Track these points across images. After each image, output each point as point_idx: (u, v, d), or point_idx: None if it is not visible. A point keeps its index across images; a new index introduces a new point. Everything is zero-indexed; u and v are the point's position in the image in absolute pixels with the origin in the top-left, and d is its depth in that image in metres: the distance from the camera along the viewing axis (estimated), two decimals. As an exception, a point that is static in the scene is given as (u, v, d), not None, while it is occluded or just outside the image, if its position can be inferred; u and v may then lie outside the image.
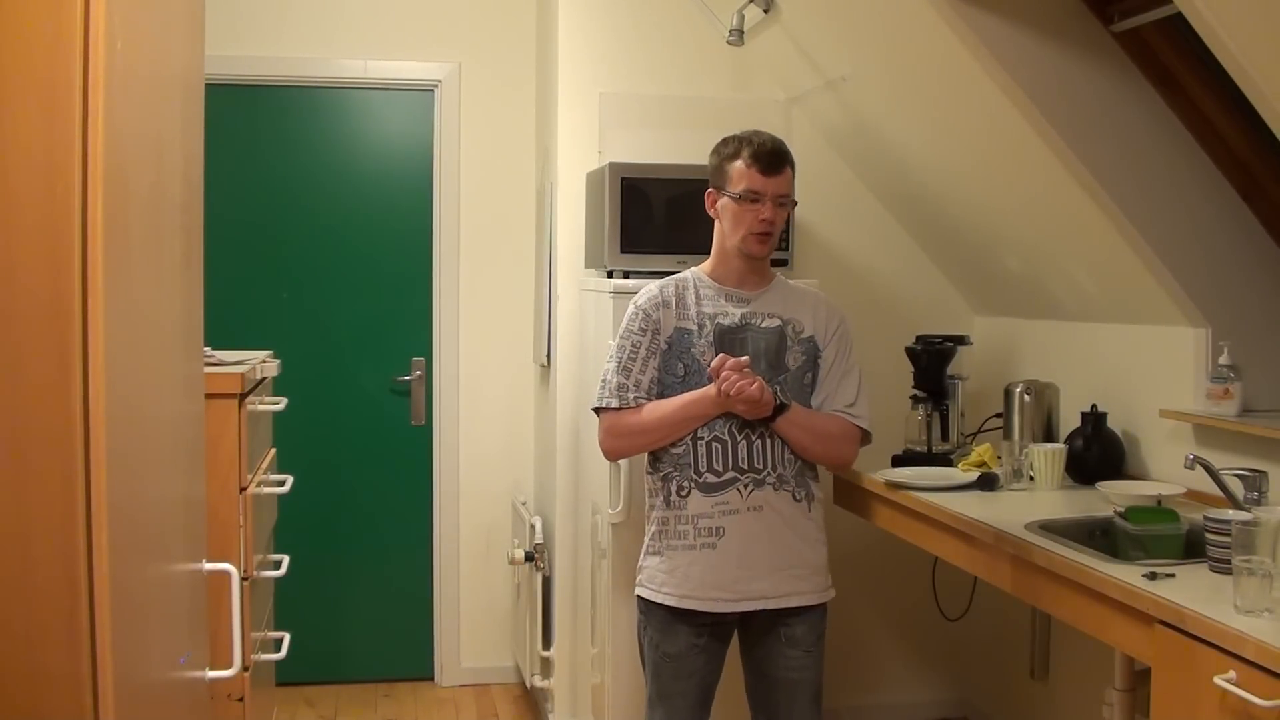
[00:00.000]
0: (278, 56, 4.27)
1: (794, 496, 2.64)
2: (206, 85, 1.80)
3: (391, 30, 4.35)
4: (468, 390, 4.46)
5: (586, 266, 3.71)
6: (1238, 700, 1.81)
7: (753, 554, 2.60)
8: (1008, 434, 3.36)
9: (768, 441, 2.62)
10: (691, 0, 3.73)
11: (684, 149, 3.50)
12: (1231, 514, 2.22)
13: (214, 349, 2.42)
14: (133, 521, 1.27)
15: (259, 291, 4.33)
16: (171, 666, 1.53)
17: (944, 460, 3.39)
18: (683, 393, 2.62)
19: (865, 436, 2.74)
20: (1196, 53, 2.68)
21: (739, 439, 2.61)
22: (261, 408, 2.76)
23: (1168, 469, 3.05)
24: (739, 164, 2.62)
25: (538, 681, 3.89)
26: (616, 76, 3.79)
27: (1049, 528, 2.60)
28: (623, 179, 3.38)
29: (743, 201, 2.61)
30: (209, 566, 1.78)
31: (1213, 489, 2.63)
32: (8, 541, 1.11)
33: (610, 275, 3.38)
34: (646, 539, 2.72)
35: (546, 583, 3.86)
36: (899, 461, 3.42)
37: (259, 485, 2.62)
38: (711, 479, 2.60)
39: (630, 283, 3.14)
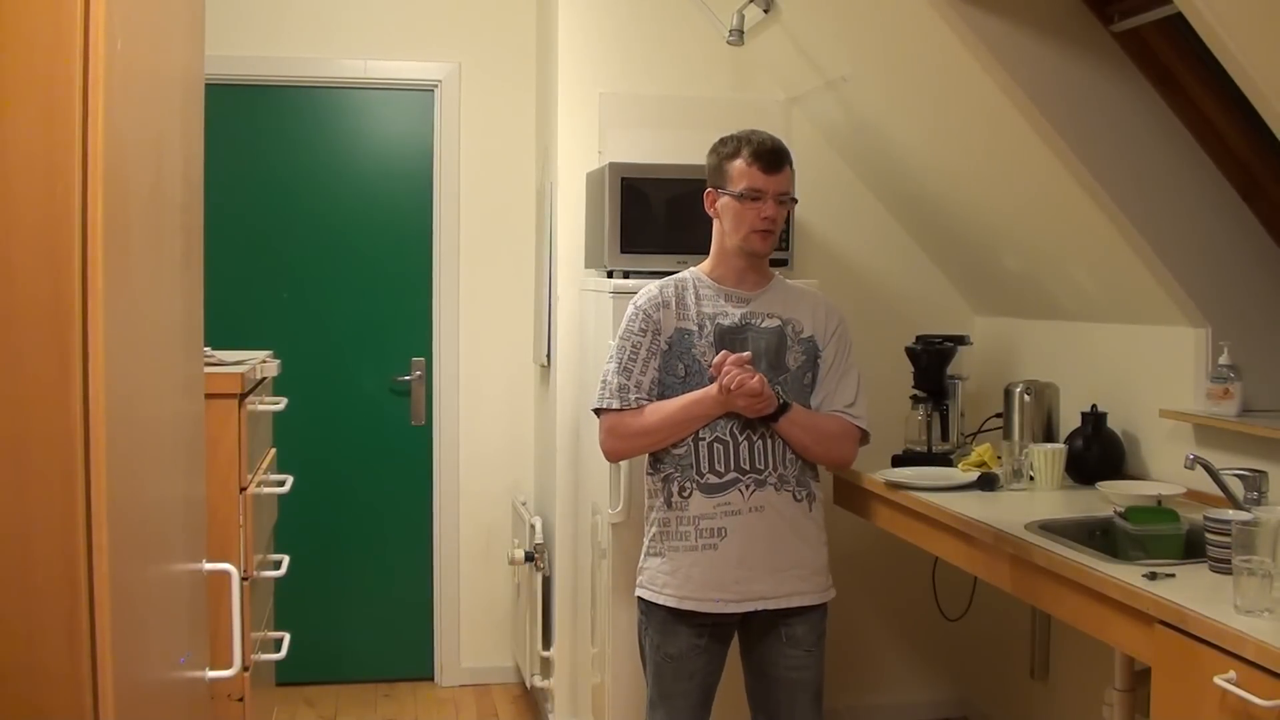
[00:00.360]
0: (278, 56, 4.27)
1: (795, 497, 2.64)
2: (206, 85, 1.80)
3: (391, 30, 4.35)
4: (468, 390, 4.46)
5: (586, 266, 3.71)
6: (1238, 700, 1.81)
7: (754, 554, 2.60)
8: (1008, 434, 3.36)
9: (769, 442, 2.62)
10: (691, 0, 3.73)
11: (684, 149, 3.50)
12: (1231, 514, 2.21)
13: (214, 349, 2.41)
14: (133, 521, 1.27)
15: (259, 291, 4.33)
16: (171, 666, 1.53)
17: (944, 460, 3.39)
18: (683, 393, 2.62)
19: (864, 436, 2.75)
20: (1196, 53, 2.68)
21: (740, 439, 2.61)
22: (261, 408, 2.76)
23: (1168, 469, 3.05)
24: (739, 163, 2.62)
25: (538, 681, 3.89)
26: (616, 76, 3.79)
27: (1049, 528, 2.60)
28: (623, 179, 3.38)
29: (744, 200, 2.61)
30: (209, 566, 1.78)
31: (1213, 489, 2.63)
32: (8, 541, 1.11)
33: (610, 275, 3.38)
34: (646, 540, 2.72)
35: (546, 583, 3.86)
36: (899, 461, 3.42)
37: (259, 485, 2.62)
38: (713, 480, 2.60)
39: (630, 283, 3.14)
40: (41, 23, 1.11)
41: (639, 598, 2.72)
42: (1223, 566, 2.16)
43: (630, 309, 2.71)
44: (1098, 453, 3.17)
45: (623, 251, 3.37)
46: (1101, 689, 2.97)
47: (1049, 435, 3.33)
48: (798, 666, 2.65)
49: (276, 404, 2.90)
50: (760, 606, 2.62)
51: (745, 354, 2.54)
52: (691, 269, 2.75)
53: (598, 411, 2.69)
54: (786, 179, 2.64)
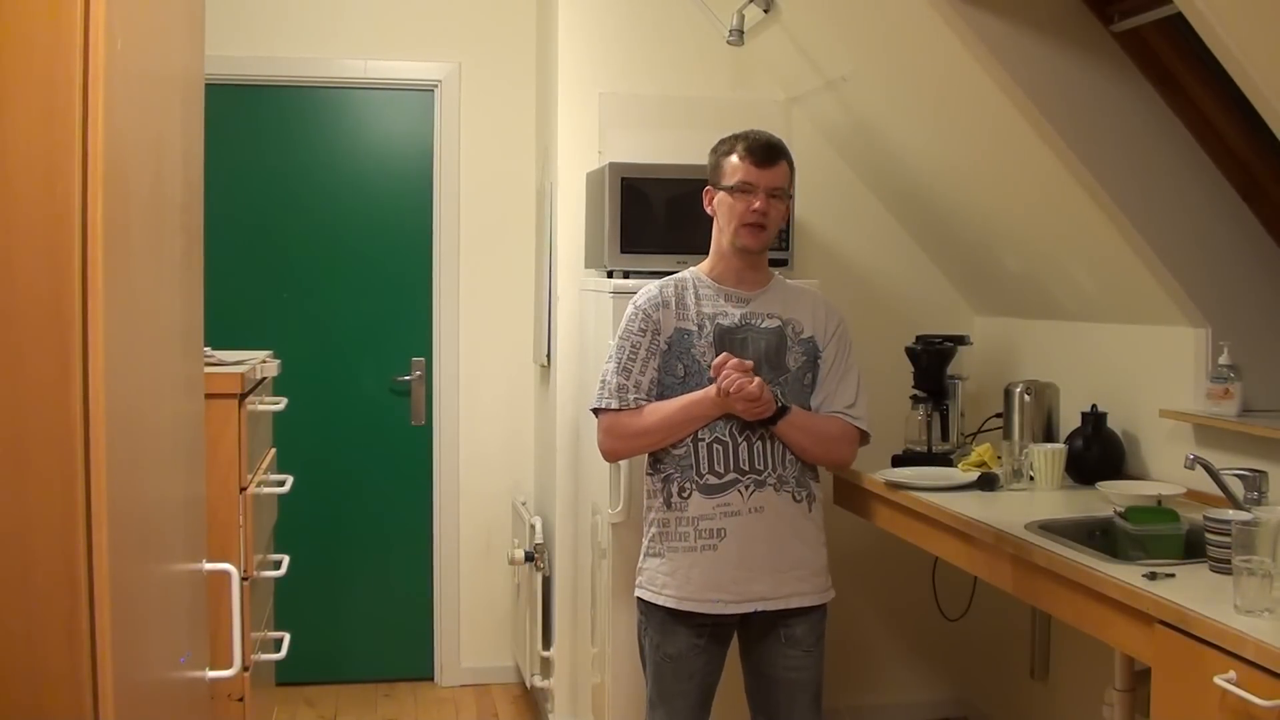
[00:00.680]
0: (278, 56, 4.27)
1: (794, 497, 2.64)
2: (206, 85, 1.80)
3: (391, 30, 4.35)
4: (468, 390, 4.46)
5: (586, 266, 3.71)
6: (1238, 700, 1.81)
7: (753, 555, 2.60)
8: (1008, 434, 3.36)
9: (768, 443, 2.62)
10: (691, 0, 3.73)
11: (684, 149, 3.50)
12: (1231, 514, 2.22)
13: (214, 349, 2.41)
14: (133, 521, 1.27)
15: (259, 291, 4.33)
16: (171, 666, 1.53)
17: (944, 460, 3.39)
18: (682, 393, 2.62)
19: (864, 437, 2.75)
20: (1196, 53, 2.68)
21: (739, 440, 2.61)
22: (261, 408, 2.76)
23: (1168, 469, 3.05)
24: (733, 158, 2.64)
25: (538, 681, 3.89)
26: (616, 76, 3.79)
27: (1049, 528, 2.60)
28: (623, 179, 3.38)
29: (735, 192, 2.61)
30: (209, 566, 1.78)
31: (1213, 489, 2.63)
32: (8, 541, 1.11)
33: (610, 275, 3.38)
34: (646, 540, 2.72)
35: (546, 583, 3.86)
36: (899, 461, 3.42)
37: (259, 485, 2.62)
38: (713, 480, 2.60)
39: (630, 283, 3.14)
40: (41, 23, 1.11)
41: (638, 598, 2.72)
42: (1223, 566, 2.16)
43: (630, 309, 2.71)
44: (1098, 453, 3.17)
45: (623, 251, 3.37)
46: (1101, 689, 2.97)
47: (1049, 435, 3.33)
48: (797, 667, 2.65)
49: (276, 404, 2.90)
50: (759, 607, 2.62)
51: (747, 363, 2.55)
52: (691, 269, 2.75)
53: (596, 411, 2.69)
54: (780, 174, 2.64)
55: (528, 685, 4.09)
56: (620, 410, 2.64)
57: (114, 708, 1.15)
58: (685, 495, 2.62)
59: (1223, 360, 2.84)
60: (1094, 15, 2.81)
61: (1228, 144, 2.84)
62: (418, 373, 4.47)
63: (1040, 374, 3.51)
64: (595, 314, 3.49)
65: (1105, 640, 2.36)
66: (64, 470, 1.12)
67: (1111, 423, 3.21)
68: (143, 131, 1.34)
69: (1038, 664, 3.65)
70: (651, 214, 3.43)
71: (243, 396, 2.41)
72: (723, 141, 2.70)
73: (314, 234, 4.40)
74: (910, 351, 3.59)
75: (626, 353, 2.65)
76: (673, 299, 2.68)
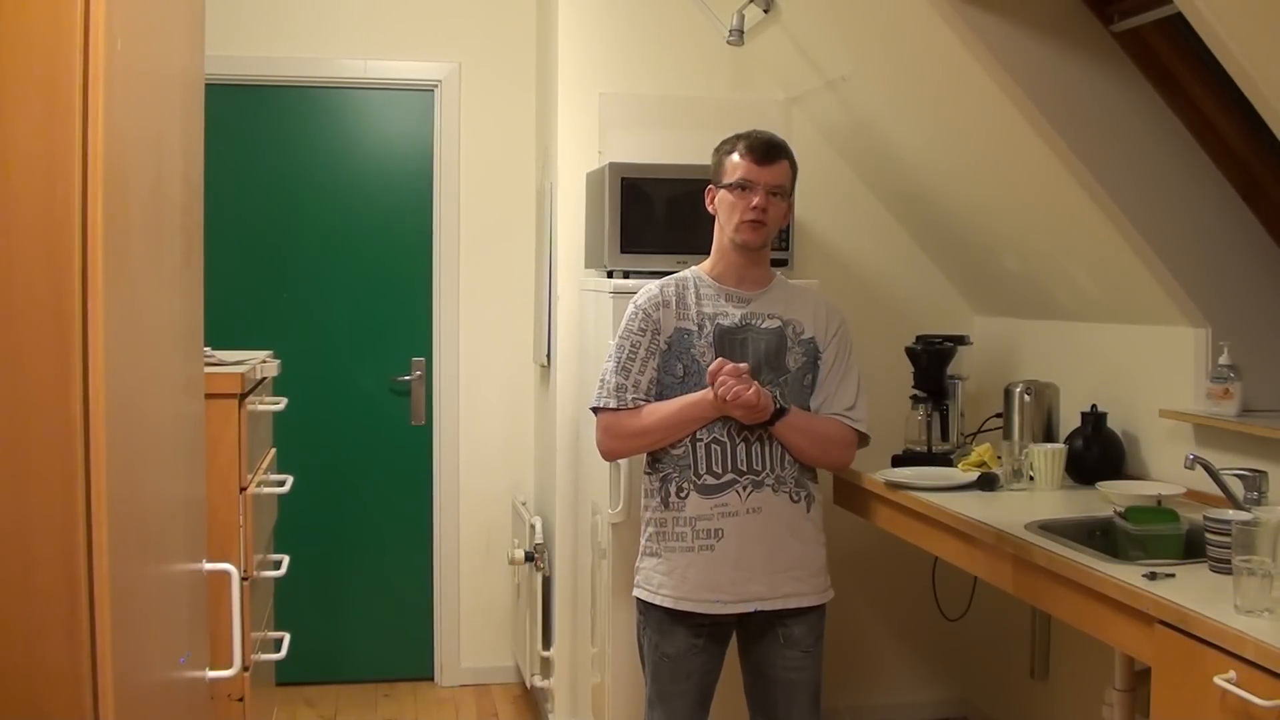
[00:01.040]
0: (278, 56, 4.27)
1: (792, 498, 2.64)
2: (206, 85, 1.80)
3: (391, 30, 4.35)
4: (468, 390, 4.46)
5: (586, 266, 3.71)
6: (1238, 700, 1.81)
7: (751, 556, 2.60)
8: (1008, 434, 3.36)
9: (766, 444, 2.62)
10: (691, 0, 3.73)
11: (684, 149, 3.50)
12: (1231, 514, 2.22)
13: (214, 349, 2.41)
14: (133, 521, 1.27)
15: (259, 291, 4.33)
16: (171, 666, 1.53)
17: (944, 460, 3.38)
18: (681, 393, 2.62)
19: (863, 439, 2.74)
20: (1196, 53, 2.68)
21: (738, 441, 2.61)
22: (261, 408, 2.76)
23: (1168, 469, 3.05)
24: (734, 156, 2.64)
25: (538, 681, 3.89)
26: (616, 76, 3.79)
27: (1049, 528, 2.60)
28: (623, 179, 3.38)
29: (735, 190, 2.62)
30: (209, 566, 1.78)
31: (1213, 489, 2.63)
32: (8, 541, 1.11)
33: (610, 275, 3.38)
34: (643, 540, 2.72)
35: (546, 583, 3.86)
36: (899, 461, 3.42)
37: (259, 485, 2.62)
38: (710, 481, 2.60)
39: (630, 283, 3.14)
40: (41, 23, 1.11)
41: (636, 598, 2.72)
42: (1223, 566, 2.16)
43: (630, 308, 2.71)
44: (1098, 453, 3.17)
45: (623, 251, 3.37)
46: (1101, 689, 2.97)
47: (1049, 435, 3.33)
48: (795, 667, 2.65)
49: (276, 404, 2.90)
50: (757, 607, 2.62)
51: (742, 365, 2.55)
52: (693, 268, 2.75)
53: (595, 410, 2.69)
54: (780, 173, 2.64)
55: (528, 685, 4.09)
56: (619, 410, 2.64)
57: (114, 708, 1.15)
58: (683, 495, 2.62)
59: (1223, 360, 2.84)
60: (1094, 15, 2.81)
61: (1228, 144, 2.84)
62: (418, 373, 4.47)
63: (1040, 374, 3.51)
64: (595, 314, 3.49)
65: (1105, 640, 2.36)
66: (64, 470, 1.12)
67: (1111, 423, 3.21)
68: (143, 131, 1.34)
69: (1038, 664, 3.65)
70: (651, 214, 3.43)
71: (243, 396, 2.41)
72: (725, 140, 2.70)
73: (314, 234, 4.40)
74: (910, 351, 3.59)
75: (626, 352, 2.65)
76: (673, 298, 2.68)
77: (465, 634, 4.49)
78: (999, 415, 3.50)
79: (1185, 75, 2.79)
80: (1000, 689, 3.93)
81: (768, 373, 2.64)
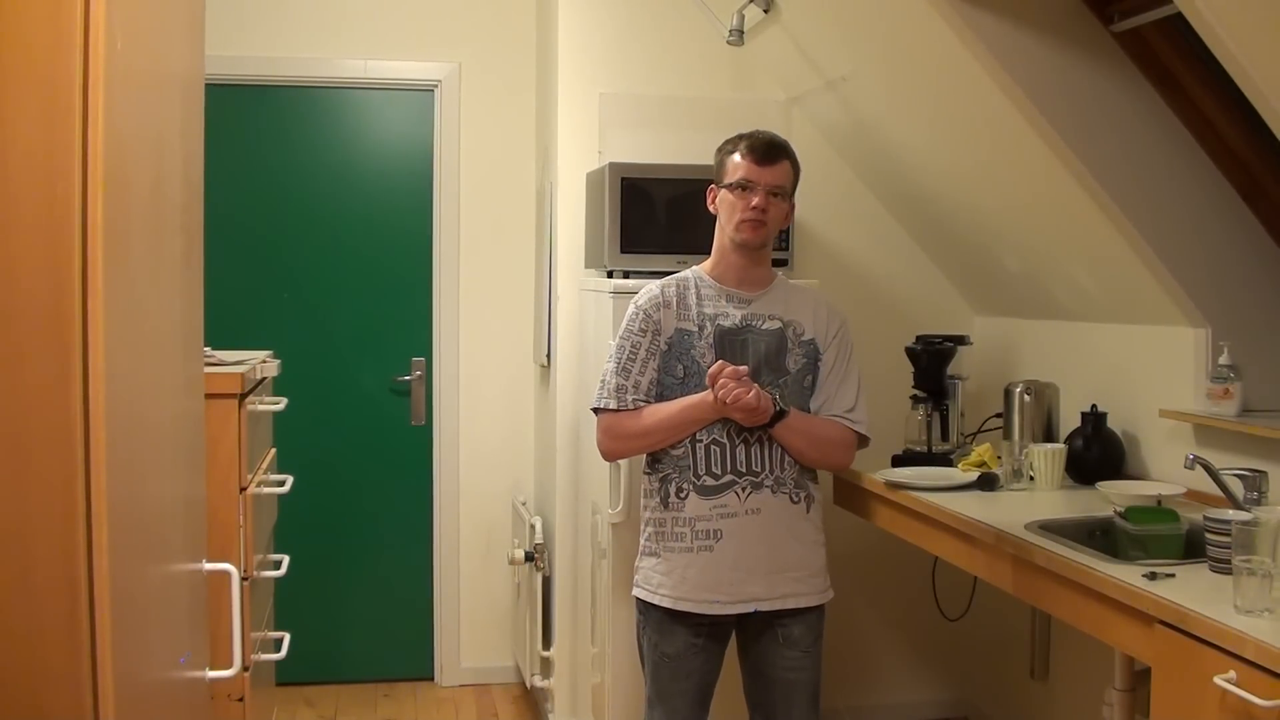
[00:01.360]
0: (278, 56, 4.27)
1: (792, 499, 2.64)
2: (206, 85, 1.80)
3: (391, 30, 4.35)
4: (468, 390, 4.46)
5: (586, 266, 3.71)
6: (1238, 700, 1.81)
7: (750, 557, 2.60)
8: (1008, 434, 3.36)
9: (766, 445, 2.62)
10: (691, 0, 3.73)
11: (684, 149, 3.50)
12: (1231, 514, 2.21)
13: (214, 349, 2.41)
14: (133, 521, 1.27)
15: (259, 291, 4.33)
16: (171, 666, 1.53)
17: (944, 460, 3.39)
18: (681, 394, 2.62)
19: (862, 441, 2.74)
20: (1196, 53, 2.68)
21: (737, 442, 2.61)
22: (261, 408, 2.75)
23: (1168, 469, 3.05)
24: (735, 156, 2.65)
25: (538, 681, 3.89)
26: (616, 76, 3.79)
27: (1049, 528, 2.60)
28: (623, 179, 3.38)
29: (736, 189, 2.62)
30: (209, 566, 1.78)
31: (1213, 489, 2.63)
32: (8, 541, 1.11)
33: (610, 275, 3.38)
34: (642, 539, 2.72)
35: (546, 583, 3.86)
36: (899, 461, 3.42)
37: (259, 485, 2.62)
38: (710, 482, 2.60)
39: (630, 283, 3.14)
40: (41, 23, 1.11)
41: (636, 597, 2.72)
42: (1223, 566, 2.16)
43: (631, 308, 2.71)
44: (1098, 453, 3.17)
45: (623, 251, 3.37)
46: (1101, 689, 2.97)
47: (1049, 435, 3.33)
48: (794, 667, 2.65)
49: (276, 404, 2.90)
50: (756, 608, 2.62)
51: (741, 368, 2.55)
52: (693, 268, 2.75)
53: (596, 411, 2.69)
54: (781, 173, 2.64)
55: (528, 685, 4.09)
56: (619, 410, 2.64)
57: (114, 708, 1.15)
58: (682, 496, 2.62)
59: (1223, 360, 2.84)
60: (1094, 15, 2.81)
61: (1228, 144, 2.84)
62: (418, 373, 4.47)
63: (1040, 374, 3.51)
64: (595, 314, 3.49)
65: (1105, 640, 2.36)
66: (64, 470, 1.12)
67: (1111, 423, 3.21)
68: (143, 131, 1.34)
69: (1038, 664, 3.65)
70: (652, 214, 3.43)
71: (243, 396, 2.41)
72: (727, 140, 2.71)
73: (314, 234, 4.40)
74: (910, 351, 3.59)
75: (626, 353, 2.66)
76: (674, 299, 2.68)
77: (465, 634, 4.49)
78: (999, 415, 3.50)
79: (1185, 75, 2.79)
80: (1000, 689, 3.94)
81: (768, 374, 2.64)
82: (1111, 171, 2.84)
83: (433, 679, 4.51)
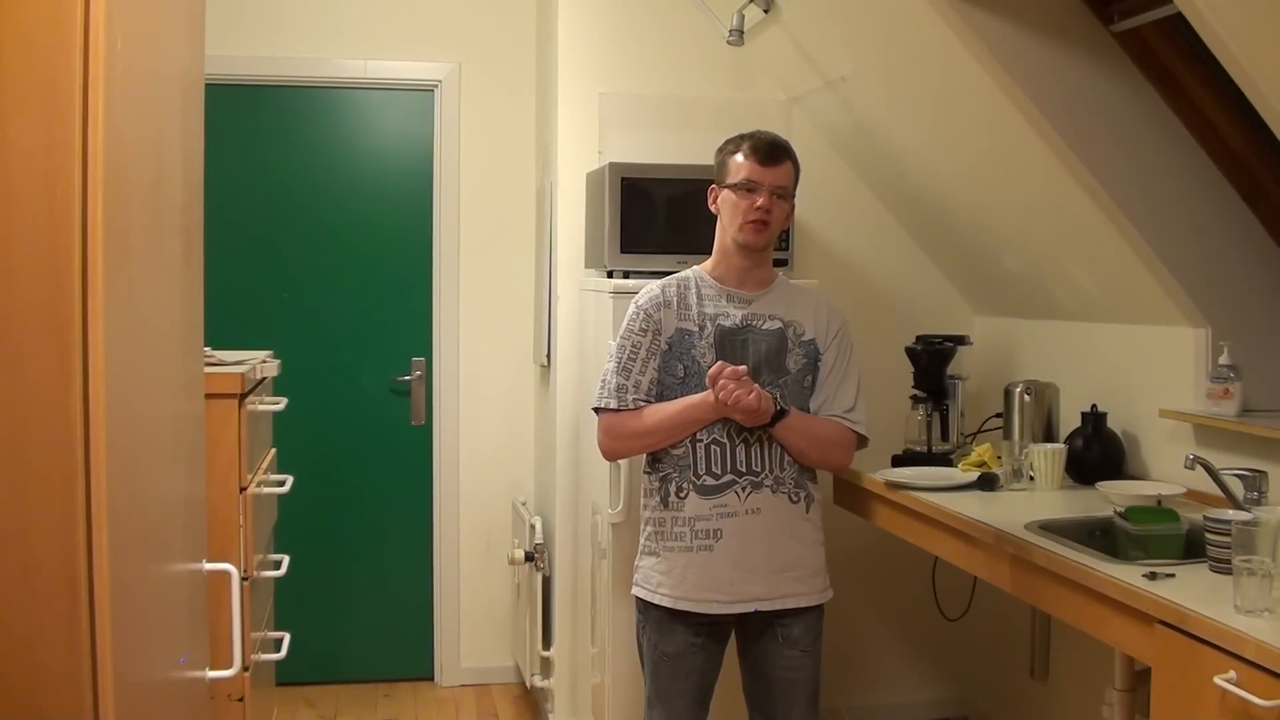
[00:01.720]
0: (278, 56, 4.27)
1: (791, 498, 2.64)
2: (206, 85, 1.80)
3: (391, 30, 4.35)
4: (468, 390, 4.46)
5: (586, 266, 3.71)
6: (1238, 700, 1.81)
7: (749, 556, 2.60)
8: (1008, 434, 3.36)
9: (765, 445, 2.62)
10: (691, 0, 3.73)
11: (684, 149, 3.50)
12: (1231, 514, 2.21)
13: (214, 349, 2.41)
14: (133, 521, 1.27)
15: (259, 291, 4.33)
16: (171, 666, 1.53)
17: (944, 460, 3.38)
18: (682, 393, 2.63)
19: (862, 441, 2.74)
20: (1196, 53, 2.68)
21: (737, 442, 2.61)
22: (261, 408, 2.76)
23: (1168, 469, 3.05)
24: (738, 156, 2.65)
25: (538, 681, 3.89)
26: (616, 76, 3.79)
27: (1049, 528, 2.60)
28: (623, 179, 3.38)
29: (739, 190, 2.62)
30: (209, 566, 1.78)
31: (1213, 489, 2.63)
32: (8, 541, 1.11)
33: (610, 275, 3.38)
34: (642, 539, 2.72)
35: (546, 583, 3.86)
36: (899, 461, 3.42)
37: (259, 485, 2.62)
38: (710, 481, 2.60)
39: (630, 283, 3.14)
40: (41, 23, 1.11)
41: (636, 596, 2.72)
42: (1223, 566, 2.16)
43: (631, 308, 2.71)
44: (1098, 453, 3.17)
45: (623, 251, 3.37)
46: (1101, 689, 2.97)
47: (1049, 435, 3.33)
48: (794, 667, 2.65)
49: (276, 404, 2.90)
50: (756, 608, 2.62)
51: (741, 367, 2.54)
52: (694, 268, 2.75)
53: (597, 411, 2.69)
54: (784, 174, 2.64)
55: (528, 685, 4.09)
56: (620, 410, 2.64)
57: (114, 708, 1.15)
58: (682, 495, 2.62)
59: (1223, 360, 2.84)
60: (1094, 15, 2.81)
61: (1228, 144, 2.84)
62: (418, 373, 4.47)
63: (1040, 374, 3.51)
64: (595, 314, 3.49)
65: (1105, 640, 2.36)
66: (64, 470, 1.12)
67: (1111, 423, 3.21)
68: (143, 131, 1.34)
69: (1038, 664, 3.65)
70: (652, 214, 3.43)
71: (243, 396, 2.41)
72: (729, 140, 2.70)
73: (314, 234, 4.40)
74: (910, 351, 3.59)
75: (627, 353, 2.66)
76: (675, 299, 2.68)
77: (465, 634, 4.49)
78: (999, 415, 3.50)
79: (1185, 75, 2.79)
80: (1000, 689, 3.94)
81: (768, 374, 2.64)
82: (1111, 171, 2.84)
83: (433, 679, 4.51)
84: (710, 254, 2.75)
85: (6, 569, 1.11)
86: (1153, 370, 3.14)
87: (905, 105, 3.49)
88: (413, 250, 4.46)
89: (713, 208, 2.72)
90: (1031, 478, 3.13)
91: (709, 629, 2.65)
